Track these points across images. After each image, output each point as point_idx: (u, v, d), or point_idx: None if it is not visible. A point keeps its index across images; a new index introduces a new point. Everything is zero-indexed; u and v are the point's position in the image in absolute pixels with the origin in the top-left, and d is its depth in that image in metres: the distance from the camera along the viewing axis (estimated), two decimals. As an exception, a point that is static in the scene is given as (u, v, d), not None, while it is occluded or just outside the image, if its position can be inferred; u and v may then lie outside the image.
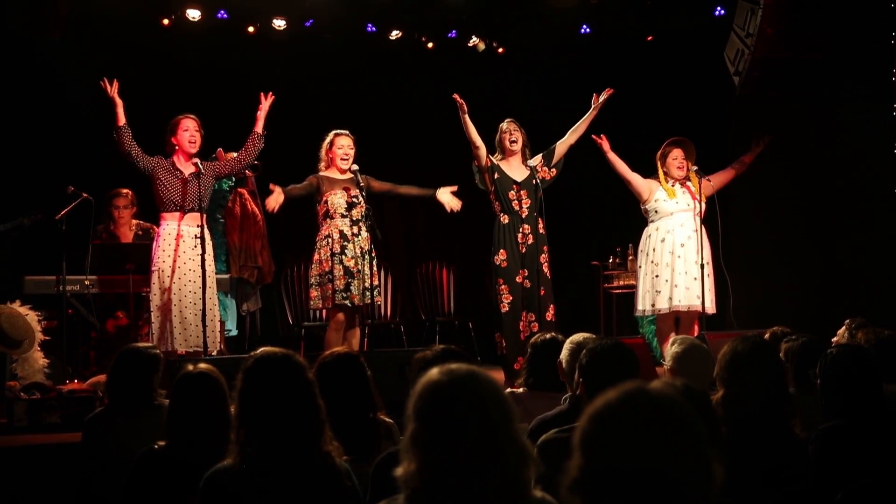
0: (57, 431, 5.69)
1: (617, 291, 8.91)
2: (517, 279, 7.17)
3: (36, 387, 6.15)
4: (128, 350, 4.29)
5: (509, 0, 9.54)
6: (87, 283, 7.25)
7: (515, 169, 7.32)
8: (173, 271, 6.67)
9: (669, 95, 9.31)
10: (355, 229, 7.08)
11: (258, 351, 2.97)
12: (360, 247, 7.06)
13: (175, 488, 3.25)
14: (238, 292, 8.14)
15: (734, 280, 7.49)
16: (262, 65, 9.01)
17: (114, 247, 7.51)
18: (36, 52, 8.26)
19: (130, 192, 7.79)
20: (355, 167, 7.12)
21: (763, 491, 3.10)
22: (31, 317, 6.56)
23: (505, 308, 7.16)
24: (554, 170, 7.40)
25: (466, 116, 7.13)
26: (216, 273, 7.06)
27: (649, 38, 9.61)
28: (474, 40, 9.60)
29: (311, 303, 7.22)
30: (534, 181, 7.24)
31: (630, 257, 8.60)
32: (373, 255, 7.08)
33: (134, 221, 7.83)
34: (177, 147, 6.84)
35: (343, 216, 7.06)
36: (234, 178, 7.88)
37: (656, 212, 7.48)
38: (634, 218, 7.83)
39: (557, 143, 7.44)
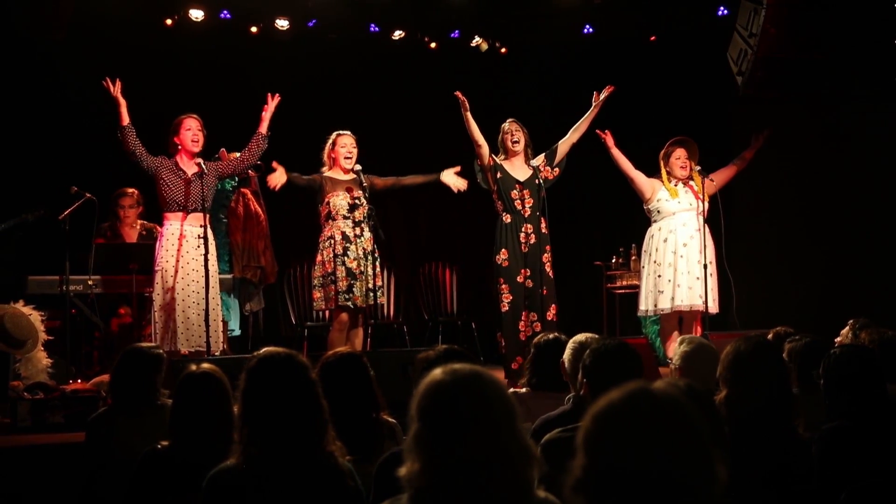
0: (60, 431, 5.69)
1: (620, 291, 8.91)
2: (518, 279, 7.16)
3: (39, 387, 6.15)
4: (131, 350, 4.29)
5: (512, 0, 9.53)
6: (90, 283, 7.26)
7: (518, 168, 7.32)
8: (176, 271, 6.67)
9: (672, 95, 9.31)
10: (358, 230, 7.08)
11: (261, 351, 2.97)
12: (363, 248, 7.06)
13: (178, 488, 3.25)
14: (241, 292, 8.14)
15: (737, 280, 7.49)
16: (265, 65, 9.02)
17: (117, 247, 7.52)
18: (39, 52, 8.27)
19: (136, 192, 7.81)
20: (358, 167, 7.12)
21: (766, 491, 3.10)
22: (35, 317, 6.56)
23: (505, 308, 7.16)
24: (557, 169, 7.40)
25: (468, 114, 7.13)
26: (219, 273, 7.06)
27: (652, 38, 9.61)
28: (477, 40, 9.60)
29: (315, 304, 7.24)
30: (536, 181, 7.24)
31: (633, 257, 8.60)
32: (376, 255, 7.08)
33: (139, 221, 7.84)
34: (179, 147, 6.84)
35: (345, 218, 7.06)
36: (237, 179, 7.89)
37: (658, 212, 7.49)
38: (637, 218, 7.83)
39: (559, 142, 7.43)
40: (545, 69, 9.87)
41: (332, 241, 7.04)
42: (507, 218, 7.25)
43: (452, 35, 9.63)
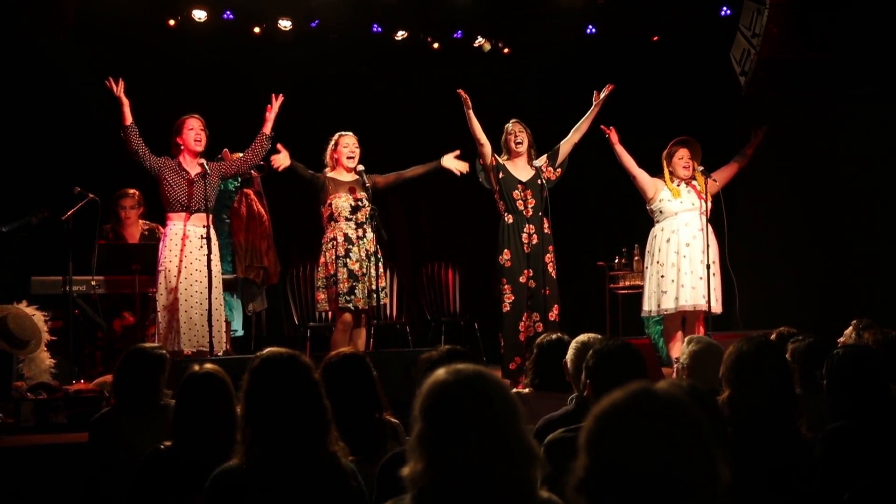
0: (63, 431, 5.70)
1: (623, 292, 8.90)
2: (521, 279, 7.16)
3: (42, 387, 6.16)
4: (134, 350, 4.29)
5: (515, 0, 9.53)
6: (93, 283, 7.27)
7: (521, 169, 7.32)
8: (179, 272, 6.67)
9: (675, 95, 9.30)
10: (360, 232, 7.07)
11: (264, 351, 2.98)
12: (366, 249, 7.05)
13: (181, 488, 3.26)
14: (244, 293, 8.14)
15: (740, 280, 7.48)
16: (268, 66, 9.02)
17: (120, 247, 7.52)
18: (42, 52, 8.27)
19: (137, 193, 7.81)
20: (361, 167, 7.12)
21: (769, 492, 3.10)
22: (38, 317, 6.57)
23: (506, 308, 7.16)
24: (559, 170, 7.40)
25: (471, 112, 7.13)
26: (222, 273, 7.06)
27: (655, 38, 9.60)
28: (480, 41, 9.60)
29: (319, 306, 7.25)
30: (539, 181, 7.24)
31: (636, 258, 8.60)
32: (378, 256, 7.08)
33: (141, 221, 7.85)
34: (182, 147, 6.84)
35: (347, 219, 7.05)
36: (239, 179, 7.89)
37: (661, 212, 7.48)
38: (640, 218, 7.83)
39: (561, 142, 7.43)
40: (548, 69, 9.87)
41: (335, 243, 7.04)
42: (509, 218, 7.25)
43: (455, 35, 9.63)
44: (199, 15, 8.66)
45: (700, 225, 7.37)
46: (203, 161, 6.82)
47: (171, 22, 8.78)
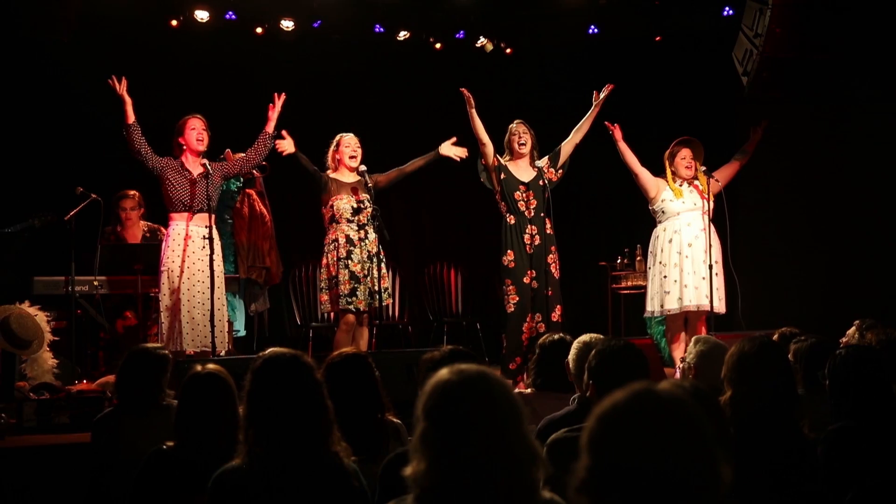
0: (66, 432, 5.71)
1: (625, 292, 8.90)
2: (525, 280, 7.16)
3: (45, 387, 6.17)
4: (136, 350, 4.30)
5: (517, 0, 9.53)
6: (95, 283, 7.27)
7: (523, 170, 7.31)
8: (182, 272, 6.67)
9: (677, 96, 9.30)
10: (362, 233, 7.05)
11: (266, 351, 2.98)
12: (368, 250, 7.03)
13: (183, 488, 3.26)
14: (246, 293, 8.15)
15: (742, 280, 7.48)
16: (270, 65, 9.03)
17: (122, 247, 7.53)
18: (44, 52, 8.28)
19: (137, 194, 7.81)
20: (363, 168, 7.11)
21: (771, 492, 3.09)
22: (40, 317, 6.58)
23: (511, 308, 7.15)
24: (560, 171, 7.39)
25: (474, 111, 7.12)
26: (224, 273, 7.06)
27: (657, 38, 9.60)
28: (482, 41, 9.60)
29: (321, 307, 7.24)
30: (541, 182, 7.23)
31: (638, 258, 8.60)
32: (381, 257, 7.07)
33: (142, 223, 7.85)
34: (184, 147, 6.84)
35: (349, 221, 7.04)
36: (242, 179, 7.90)
37: (663, 212, 7.48)
38: (643, 218, 7.82)
39: (562, 143, 7.42)
40: (550, 69, 9.87)
41: (336, 245, 7.03)
42: (511, 219, 7.24)
43: (457, 36, 9.63)
44: (202, 15, 8.67)
45: (702, 225, 7.36)
46: (205, 161, 6.82)
47: (174, 22, 8.79)
